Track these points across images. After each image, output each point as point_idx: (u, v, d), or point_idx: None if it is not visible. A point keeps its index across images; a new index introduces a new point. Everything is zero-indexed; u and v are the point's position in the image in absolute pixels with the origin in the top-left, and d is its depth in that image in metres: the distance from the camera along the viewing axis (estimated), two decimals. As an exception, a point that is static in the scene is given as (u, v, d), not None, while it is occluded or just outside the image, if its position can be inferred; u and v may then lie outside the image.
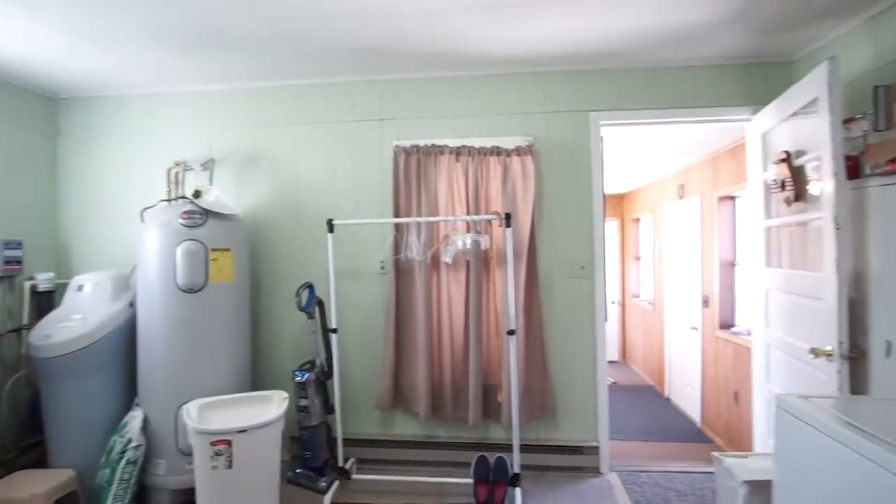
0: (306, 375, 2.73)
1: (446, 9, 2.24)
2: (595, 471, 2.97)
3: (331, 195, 3.16)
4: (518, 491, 2.58)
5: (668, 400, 5.46)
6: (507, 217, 2.63)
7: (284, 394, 2.62)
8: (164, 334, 2.62)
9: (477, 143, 2.97)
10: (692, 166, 4.84)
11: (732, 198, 4.17)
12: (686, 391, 4.98)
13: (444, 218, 2.80)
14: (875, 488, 1.13)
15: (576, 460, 2.98)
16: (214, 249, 2.68)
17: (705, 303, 4.44)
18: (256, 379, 3.09)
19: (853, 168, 2.07)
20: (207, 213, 2.71)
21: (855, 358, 1.99)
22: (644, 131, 3.60)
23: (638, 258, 7.14)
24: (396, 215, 2.99)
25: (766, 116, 2.63)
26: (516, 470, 2.63)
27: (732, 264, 4.19)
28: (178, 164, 3.11)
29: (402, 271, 3.00)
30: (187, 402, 2.48)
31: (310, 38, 2.54)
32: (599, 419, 3.00)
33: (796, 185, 2.32)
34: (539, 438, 3.02)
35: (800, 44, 2.68)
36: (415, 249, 2.84)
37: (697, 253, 4.62)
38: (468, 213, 2.91)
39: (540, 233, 3.00)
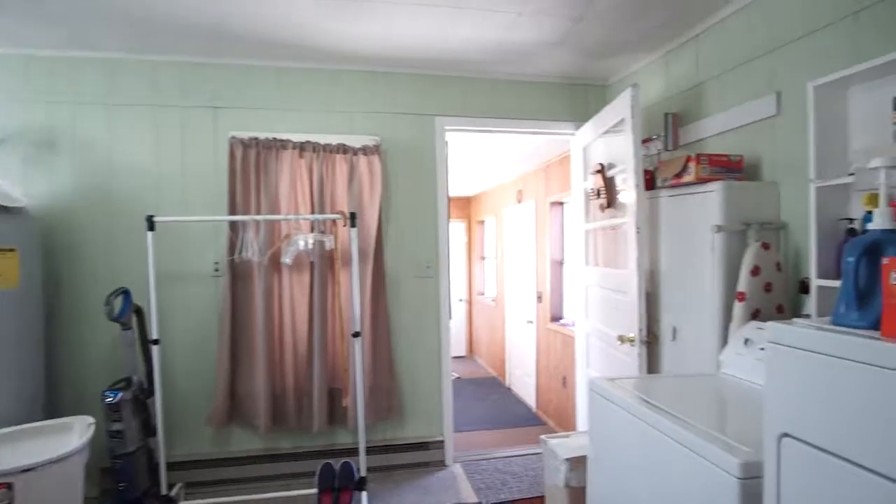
0: (120, 395, 2.37)
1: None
2: (441, 464, 3.07)
3: (154, 188, 2.79)
4: (364, 494, 2.55)
5: (510, 389, 5.90)
6: (353, 216, 2.59)
7: (90, 419, 2.25)
8: (-89, 357, 2.06)
9: (322, 139, 2.87)
10: (529, 174, 5.29)
11: (561, 203, 4.65)
12: (524, 380, 5.43)
13: (285, 216, 2.64)
14: (661, 454, 1.32)
15: (422, 456, 3.05)
16: (-10, 250, 2.19)
17: (539, 298, 4.88)
18: (56, 404, 2.60)
19: (650, 181, 2.43)
20: (-20, 205, 2.20)
21: (650, 342, 2.34)
22: (487, 138, 3.82)
23: (483, 258, 7.59)
24: (232, 212, 2.75)
25: (586, 132, 2.97)
26: (362, 473, 2.59)
27: (561, 263, 4.67)
28: (-63, 143, 2.47)
29: (238, 273, 2.77)
30: (-52, 440, 1.99)
31: (124, 4, 2.21)
32: (444, 414, 3.10)
33: (608, 193, 2.66)
34: (386, 438, 3.02)
35: (613, 70, 3.08)
36: (252, 250, 2.64)
37: (533, 253, 5.06)
38: (312, 212, 2.80)
39: (387, 233, 3.01)
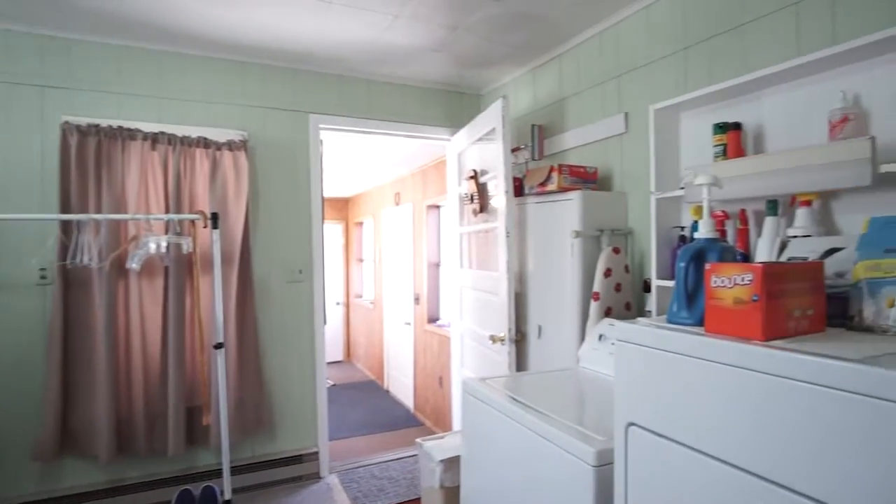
0: None
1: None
2: (315, 476, 2.95)
3: (-46, 179, 2.30)
4: (229, 519, 2.36)
5: (388, 392, 5.87)
6: (215, 217, 2.38)
7: None
8: None
9: (180, 130, 2.59)
10: (406, 177, 5.32)
11: (437, 207, 4.74)
12: (402, 381, 5.44)
13: (132, 216, 2.34)
14: (528, 447, 1.39)
15: (296, 470, 2.90)
16: None
17: (416, 300, 4.93)
18: None
19: (519, 188, 2.57)
20: None
21: (519, 341, 2.48)
22: (364, 139, 3.76)
23: (361, 260, 7.47)
24: (65, 210, 2.37)
25: (461, 139, 3.06)
26: (227, 497, 2.39)
27: (437, 265, 4.76)
28: None
29: (73, 281, 2.39)
30: None
31: None
32: (319, 423, 2.98)
33: (481, 198, 2.76)
34: (255, 455, 2.82)
35: (486, 80, 3.21)
36: (90, 254, 2.29)
37: (410, 255, 5.10)
38: (167, 212, 2.52)
39: (255, 235, 2.81)
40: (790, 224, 1.48)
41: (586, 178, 2.26)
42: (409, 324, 5.14)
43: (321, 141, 3.02)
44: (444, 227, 4.67)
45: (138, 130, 2.51)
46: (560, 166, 2.22)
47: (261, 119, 2.85)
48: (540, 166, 2.45)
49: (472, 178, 2.78)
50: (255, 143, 2.82)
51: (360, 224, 7.44)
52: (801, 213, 1.45)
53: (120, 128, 2.47)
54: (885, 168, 1.26)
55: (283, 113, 2.90)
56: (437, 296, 4.77)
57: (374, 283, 6.59)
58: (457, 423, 3.19)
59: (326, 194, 7.05)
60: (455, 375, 3.22)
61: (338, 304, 7.59)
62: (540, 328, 2.39)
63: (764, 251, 1.48)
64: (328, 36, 2.53)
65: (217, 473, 2.55)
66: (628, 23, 2.24)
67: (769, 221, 1.51)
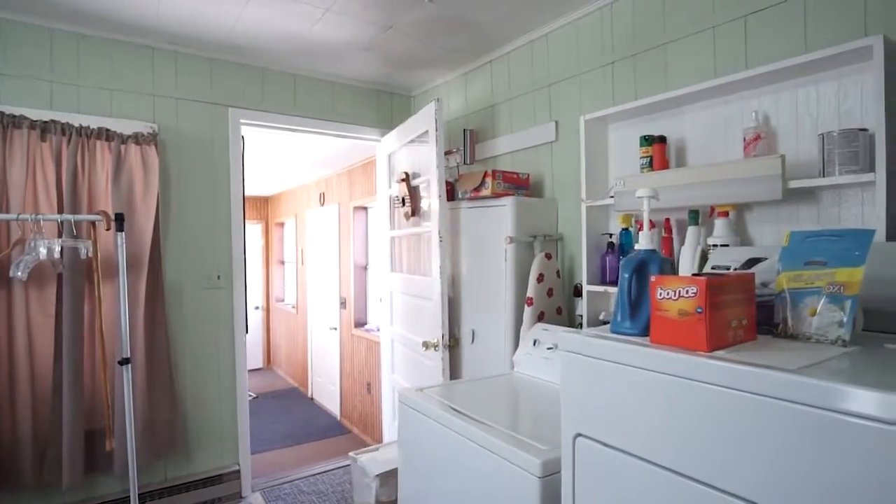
0: None
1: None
2: (237, 496, 2.75)
3: None
4: (137, 552, 2.13)
5: (312, 399, 5.66)
6: (119, 218, 2.14)
7: None
8: None
9: (77, 120, 2.31)
10: (332, 176, 5.15)
11: (365, 208, 4.63)
12: (327, 388, 5.26)
13: (16, 216, 2.04)
14: (470, 459, 1.37)
15: (215, 491, 2.69)
16: None
17: (343, 304, 4.79)
18: None
19: (451, 192, 2.56)
20: None
21: (452, 346, 2.46)
22: (288, 136, 3.58)
23: (283, 262, 7.15)
24: (-71, 209, 2.03)
25: (391, 140, 3.00)
26: (134, 527, 2.17)
27: (365, 268, 4.65)
28: None
29: (-61, 291, 2.05)
30: None
31: None
32: (240, 439, 2.79)
33: (413, 202, 2.71)
34: (167, 479, 2.58)
35: (418, 82, 3.17)
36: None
37: (336, 257, 4.94)
38: (61, 212, 2.23)
39: (166, 238, 2.57)
40: (710, 233, 1.58)
41: (519, 185, 2.29)
42: (335, 328, 4.97)
43: (242, 137, 2.83)
44: (372, 230, 4.56)
45: (24, 117, 2.20)
46: (494, 172, 2.23)
47: (173, 111, 2.61)
48: (472, 171, 2.45)
49: (403, 180, 2.72)
50: (167, 136, 2.58)
51: (282, 224, 7.11)
52: (720, 224, 1.55)
53: (2, 113, 2.16)
54: (792, 184, 1.38)
55: (199, 105, 2.68)
56: (365, 299, 4.65)
57: (296, 287, 6.32)
58: (387, 430, 3.12)
59: (246, 193, 6.67)
60: (385, 382, 3.15)
61: (257, 308, 7.21)
62: (474, 333, 2.39)
63: (687, 259, 1.57)
64: (251, 24, 2.37)
65: (123, 502, 2.30)
66: (558, 34, 2.29)
67: (691, 231, 1.60)
